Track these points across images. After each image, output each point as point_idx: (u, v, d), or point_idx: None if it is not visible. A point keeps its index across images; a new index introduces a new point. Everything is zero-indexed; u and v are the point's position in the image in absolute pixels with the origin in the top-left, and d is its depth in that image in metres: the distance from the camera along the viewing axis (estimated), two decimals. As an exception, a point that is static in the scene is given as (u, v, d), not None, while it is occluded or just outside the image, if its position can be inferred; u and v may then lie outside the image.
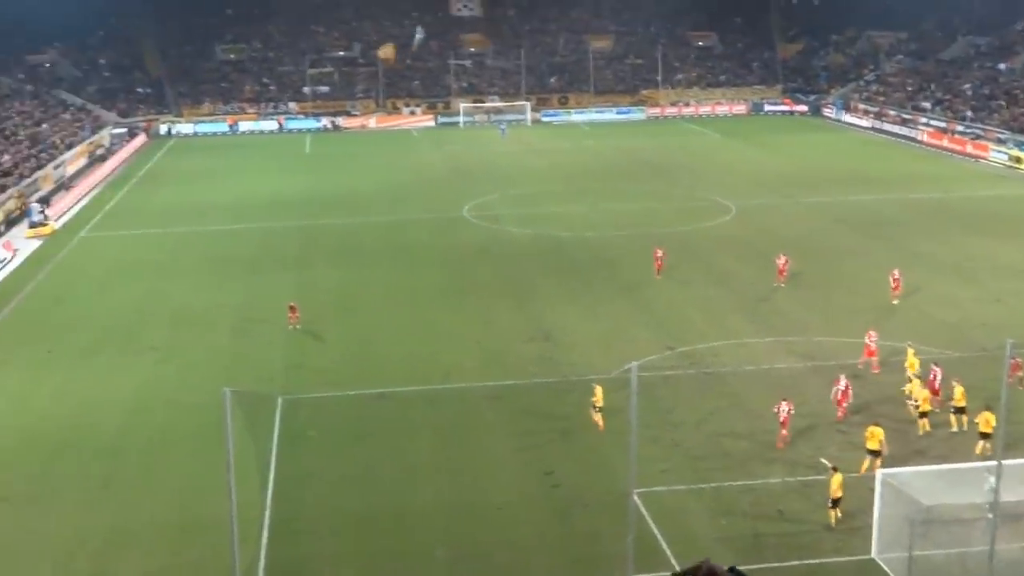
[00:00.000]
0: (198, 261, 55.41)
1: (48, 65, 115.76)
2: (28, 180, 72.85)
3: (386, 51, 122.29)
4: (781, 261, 47.99)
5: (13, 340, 43.85)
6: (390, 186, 75.80)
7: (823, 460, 28.47)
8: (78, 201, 74.18)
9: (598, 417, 32.40)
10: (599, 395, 32.49)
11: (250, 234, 60.97)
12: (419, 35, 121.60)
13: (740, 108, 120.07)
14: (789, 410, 31.00)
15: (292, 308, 43.42)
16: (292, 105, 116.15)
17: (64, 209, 70.79)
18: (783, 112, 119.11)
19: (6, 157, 75.54)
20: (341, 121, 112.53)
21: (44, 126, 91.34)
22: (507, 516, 27.81)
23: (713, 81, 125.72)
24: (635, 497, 23.44)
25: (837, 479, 26.31)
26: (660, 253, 49.91)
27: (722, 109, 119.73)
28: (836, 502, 26.31)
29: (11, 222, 65.75)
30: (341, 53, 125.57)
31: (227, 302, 47.62)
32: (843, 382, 32.86)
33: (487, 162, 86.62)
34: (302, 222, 63.46)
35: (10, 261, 57.21)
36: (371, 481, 29.98)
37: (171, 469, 31.06)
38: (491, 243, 57.79)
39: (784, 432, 31.06)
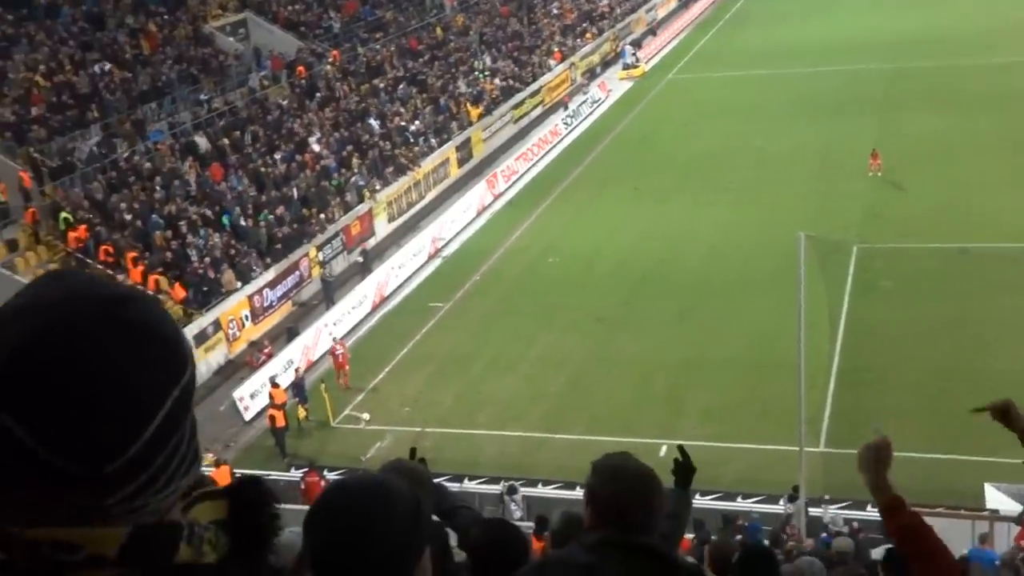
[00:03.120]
0: (780, 104, 55.14)
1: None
2: (622, 23, 76.38)
3: None
4: None
5: (606, 175, 47.07)
6: (996, 25, 69.45)
7: None
8: (667, 43, 76.64)
9: None
10: None
11: (835, 76, 59.32)
12: None
13: None
14: None
15: (874, 154, 42.08)
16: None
17: (654, 52, 73.56)
18: None
19: (604, 1, 79.55)
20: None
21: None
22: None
23: None
24: None
25: None
26: None
27: None
28: None
29: (606, 64, 69.70)
30: None
31: (807, 146, 47.19)
32: None
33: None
34: (891, 64, 60.33)
35: (604, 101, 60.92)
36: (945, 338, 28.81)
37: (744, 309, 31.97)
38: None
39: None
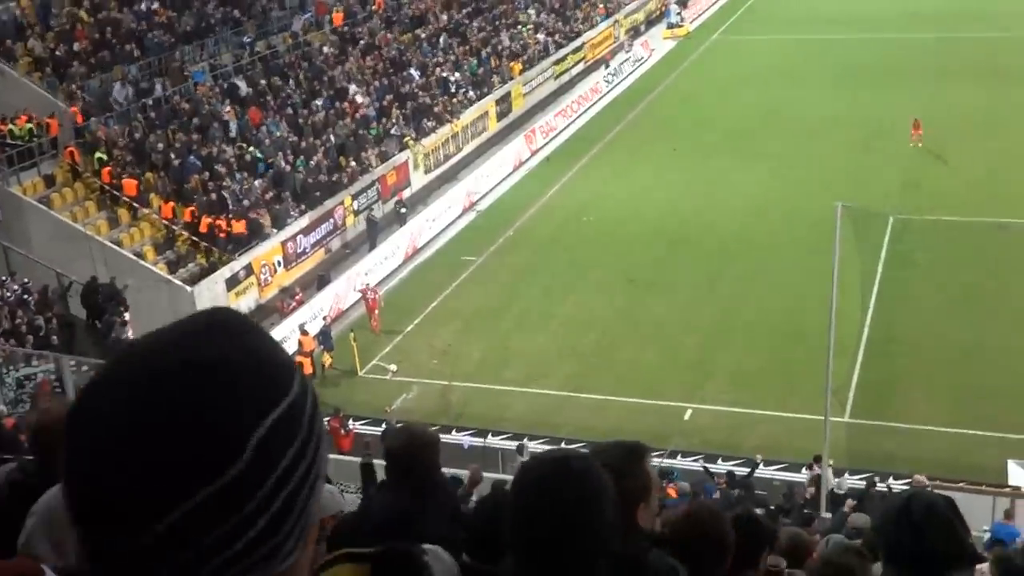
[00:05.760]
0: (824, 70, 54.42)
1: None
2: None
3: None
4: None
5: (644, 136, 46.81)
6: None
7: None
8: (714, 3, 75.70)
9: None
10: None
11: (883, 44, 58.35)
12: None
13: None
14: None
15: (916, 124, 41.52)
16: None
17: (700, 11, 72.70)
18: None
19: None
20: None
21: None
22: None
23: None
24: None
25: None
26: None
27: None
28: None
29: (651, 22, 68.99)
30: None
31: (849, 114, 46.61)
32: None
33: None
34: (941, 34, 59.37)
35: (647, 60, 60.40)
36: (978, 313, 28.59)
37: (777, 275, 31.83)
38: None
39: None
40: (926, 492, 3.76)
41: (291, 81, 41.56)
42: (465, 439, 24.00)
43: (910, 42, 58.16)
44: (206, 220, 32.19)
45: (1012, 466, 21.43)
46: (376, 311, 31.16)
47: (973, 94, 47.70)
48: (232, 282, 31.52)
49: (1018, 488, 20.61)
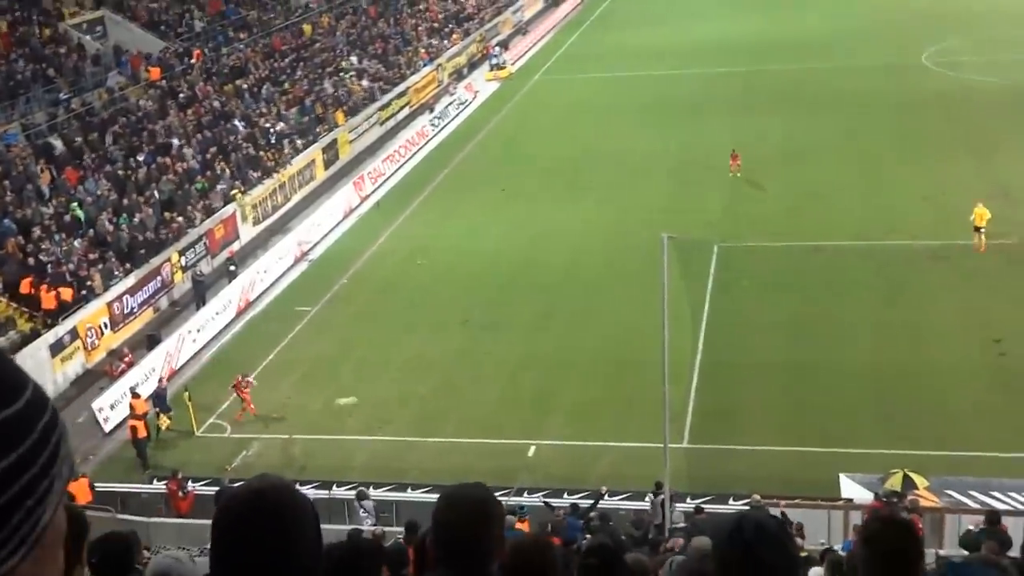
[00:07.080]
0: (642, 105, 55.97)
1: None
2: (489, 24, 76.65)
3: None
4: None
5: (473, 177, 47.18)
6: (841, 30, 71.72)
7: None
8: (533, 45, 77.15)
9: (977, 239, 33.17)
10: (980, 214, 33.33)
11: (695, 79, 60.54)
12: None
13: None
14: None
15: (734, 155, 43.08)
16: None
17: (520, 53, 73.96)
18: None
19: (471, 2, 79.67)
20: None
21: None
22: (944, 381, 26.67)
23: None
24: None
25: None
26: None
27: None
28: None
29: (473, 65, 69.81)
30: None
31: (668, 147, 48.08)
32: None
33: (957, 2, 79.15)
34: (749, 67, 61.86)
35: (471, 102, 61.03)
36: (803, 333, 29.78)
37: (608, 307, 32.47)
38: (950, 92, 53.48)
39: None
40: (755, 512, 3.90)
41: (109, 137, 40.43)
42: (309, 493, 23.58)
43: (717, 76, 60.49)
44: (45, 291, 30.84)
45: (844, 479, 22.31)
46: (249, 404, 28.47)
47: (778, 123, 49.78)
48: (57, 348, 30.32)
49: (850, 500, 21.47)
